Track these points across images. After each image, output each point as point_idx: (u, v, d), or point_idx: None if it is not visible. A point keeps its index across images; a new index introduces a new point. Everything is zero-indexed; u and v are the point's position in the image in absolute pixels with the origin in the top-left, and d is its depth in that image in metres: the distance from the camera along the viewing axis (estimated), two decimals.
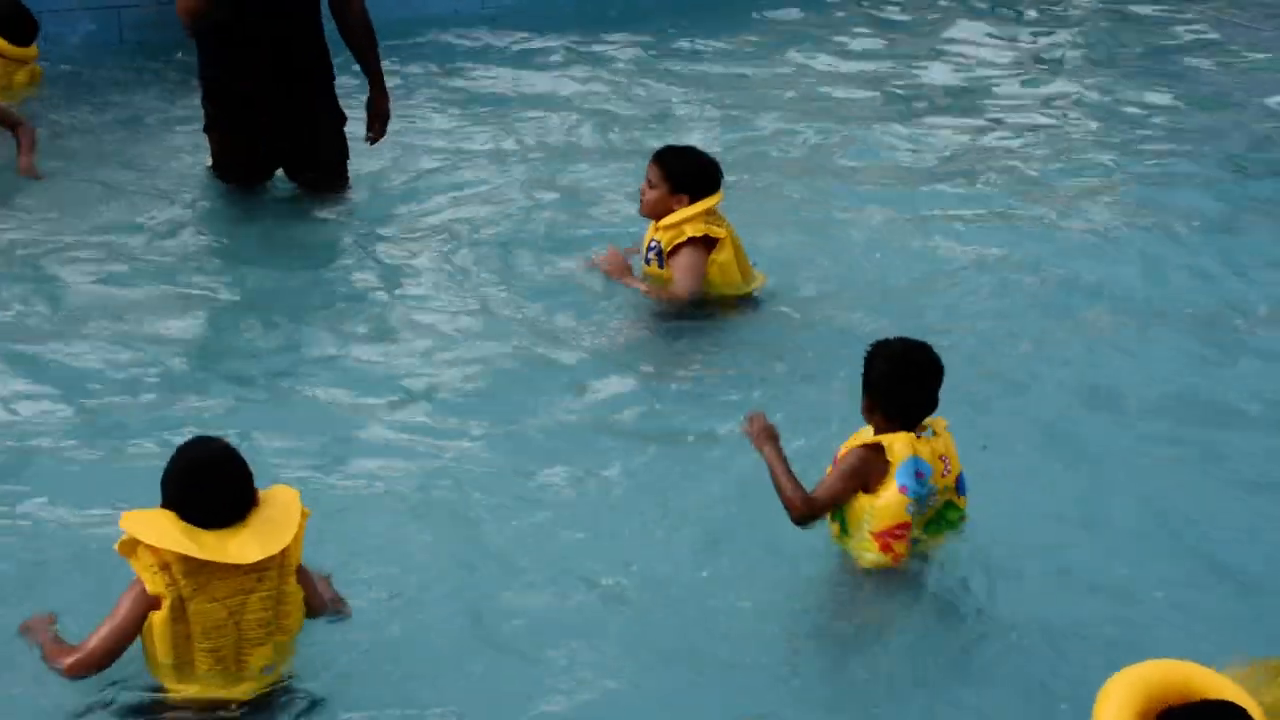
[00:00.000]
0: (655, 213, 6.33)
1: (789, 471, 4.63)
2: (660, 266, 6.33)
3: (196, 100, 7.51)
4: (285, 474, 4.87)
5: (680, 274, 6.26)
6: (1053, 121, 9.13)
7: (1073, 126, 9.06)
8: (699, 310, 6.31)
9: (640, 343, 6.24)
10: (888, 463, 4.59)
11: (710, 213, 6.30)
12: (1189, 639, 4.46)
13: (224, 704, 4.02)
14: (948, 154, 8.52)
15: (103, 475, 5.17)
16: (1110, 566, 4.89)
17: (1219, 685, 3.16)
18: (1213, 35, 10.97)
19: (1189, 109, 9.38)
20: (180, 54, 9.20)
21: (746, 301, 6.45)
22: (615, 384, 5.96)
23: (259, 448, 5.09)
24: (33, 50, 8.62)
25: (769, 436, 4.70)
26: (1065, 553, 4.96)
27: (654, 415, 5.76)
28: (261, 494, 4.09)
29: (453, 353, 6.17)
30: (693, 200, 6.25)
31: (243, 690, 4.04)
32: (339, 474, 5.27)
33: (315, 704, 4.15)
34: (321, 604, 4.24)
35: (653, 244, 6.36)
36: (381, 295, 6.66)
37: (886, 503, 4.59)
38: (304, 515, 4.08)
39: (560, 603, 4.70)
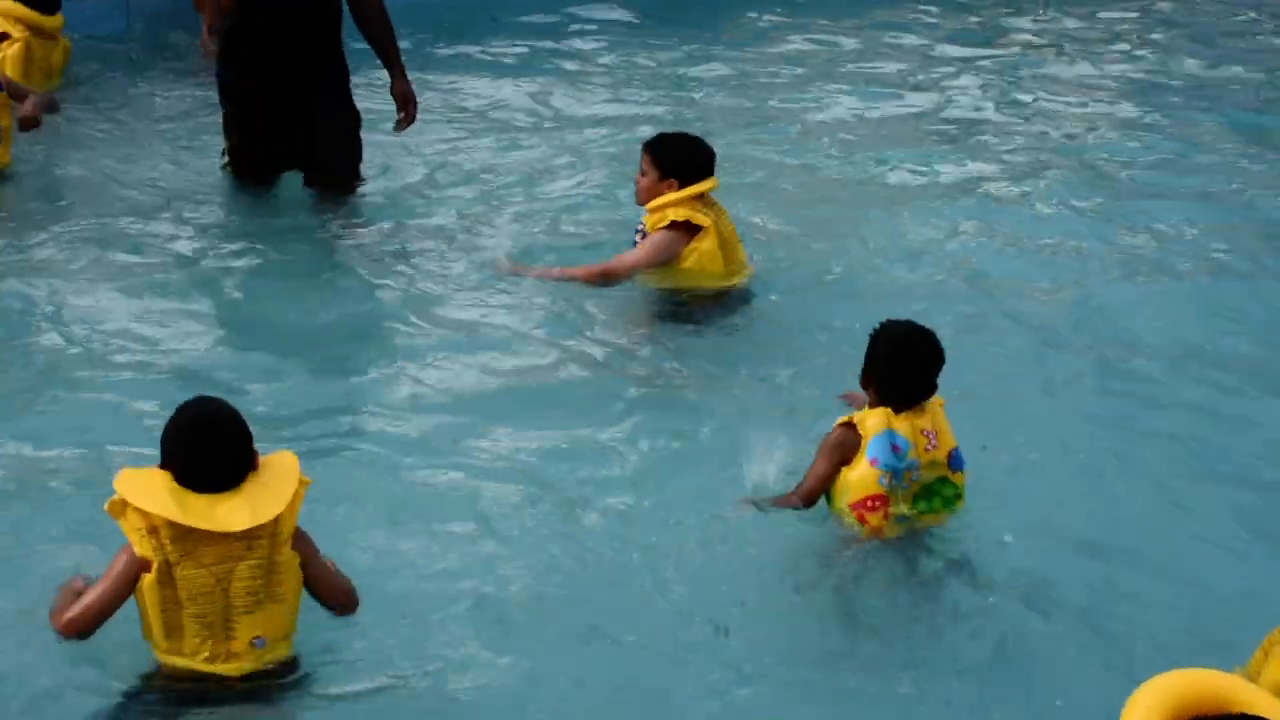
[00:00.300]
0: (648, 200, 6.35)
1: (779, 498, 4.88)
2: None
3: (202, 93, 7.47)
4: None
5: (636, 249, 6.30)
6: (1077, 128, 9.12)
7: (1098, 135, 9.04)
8: (682, 305, 6.30)
9: (630, 336, 6.23)
10: (860, 437, 4.71)
11: (702, 199, 6.30)
12: (1186, 635, 4.50)
13: (218, 681, 3.97)
14: (965, 155, 8.54)
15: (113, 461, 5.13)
16: (1110, 560, 4.90)
17: (1253, 698, 3.08)
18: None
19: (1231, 125, 9.30)
20: (189, 44, 9.20)
21: (731, 295, 6.40)
22: (609, 382, 5.95)
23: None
24: (59, 19, 8.64)
25: (754, 502, 4.92)
26: (1065, 547, 4.96)
27: (647, 412, 5.75)
28: (261, 460, 4.04)
29: (451, 350, 6.15)
30: (683, 186, 6.26)
31: (235, 667, 3.98)
32: (341, 468, 5.25)
33: (313, 689, 4.11)
34: (326, 576, 4.14)
35: (639, 226, 6.39)
36: (382, 295, 6.65)
37: (859, 476, 4.71)
38: (303, 484, 4.02)
39: (566, 594, 4.70)
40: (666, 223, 6.26)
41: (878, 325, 4.87)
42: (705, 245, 6.27)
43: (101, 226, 7.10)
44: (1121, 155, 8.56)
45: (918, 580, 4.70)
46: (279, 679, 4.07)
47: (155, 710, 4.03)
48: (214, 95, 7.45)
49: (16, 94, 7.51)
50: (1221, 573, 4.83)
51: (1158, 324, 6.44)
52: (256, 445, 4.12)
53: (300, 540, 4.06)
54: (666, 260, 6.28)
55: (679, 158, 6.32)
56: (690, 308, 6.33)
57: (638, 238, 6.41)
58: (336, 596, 4.21)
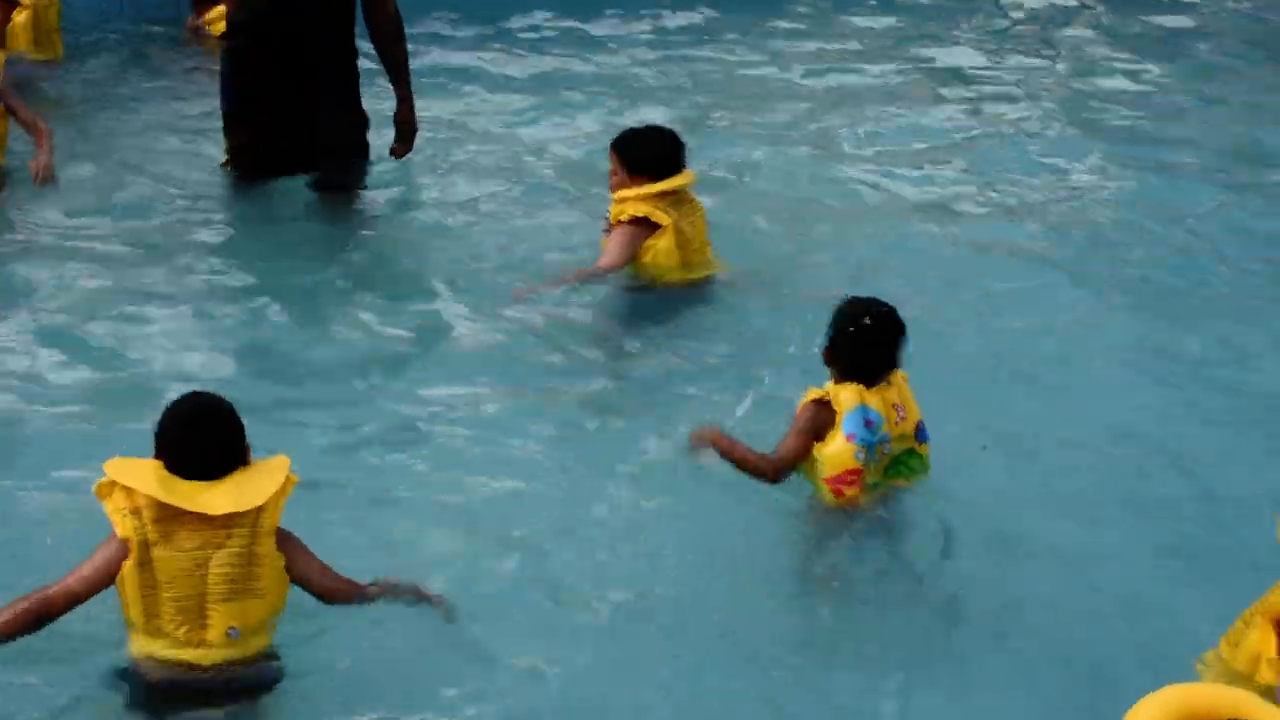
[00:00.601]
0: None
1: (745, 449, 4.86)
2: (607, 235, 6.42)
3: (195, 86, 7.40)
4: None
5: (607, 249, 6.35)
6: (1062, 113, 9.18)
7: (1082, 119, 9.10)
8: (644, 292, 6.34)
9: (599, 328, 6.28)
10: (834, 413, 4.78)
11: (670, 195, 6.32)
12: (1170, 613, 4.56)
13: (193, 670, 3.99)
14: (950, 142, 8.59)
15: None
16: (1091, 537, 4.96)
17: (1254, 708, 3.02)
18: None
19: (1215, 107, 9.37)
20: (184, 35, 9.21)
21: (695, 286, 6.43)
22: (578, 371, 6.01)
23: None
24: None
25: (716, 435, 4.92)
26: (1047, 524, 5.01)
27: (614, 398, 5.82)
28: (255, 461, 4.12)
29: (432, 348, 6.21)
30: (654, 181, 6.30)
31: (207, 654, 4.00)
32: (327, 462, 5.26)
33: (289, 684, 4.12)
34: (316, 574, 4.16)
35: (606, 214, 6.46)
36: (376, 293, 6.65)
37: (835, 451, 4.77)
38: (289, 481, 4.07)
39: (553, 588, 4.72)
40: (627, 217, 6.30)
41: (840, 302, 4.95)
42: (662, 244, 6.30)
43: (95, 225, 7.10)
44: (1115, 160, 8.56)
45: (902, 573, 4.75)
46: (254, 669, 4.07)
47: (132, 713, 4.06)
48: (208, 87, 7.49)
49: (15, 110, 7.29)
50: (1207, 574, 4.85)
51: (1131, 332, 6.45)
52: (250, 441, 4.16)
53: (285, 541, 4.11)
54: (632, 255, 6.32)
55: (645, 155, 6.35)
56: (653, 294, 6.37)
57: (603, 225, 6.48)
58: (338, 587, 4.22)
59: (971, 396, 5.64)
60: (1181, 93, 9.75)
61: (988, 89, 9.73)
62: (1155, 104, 9.58)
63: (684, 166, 6.41)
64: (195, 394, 4.24)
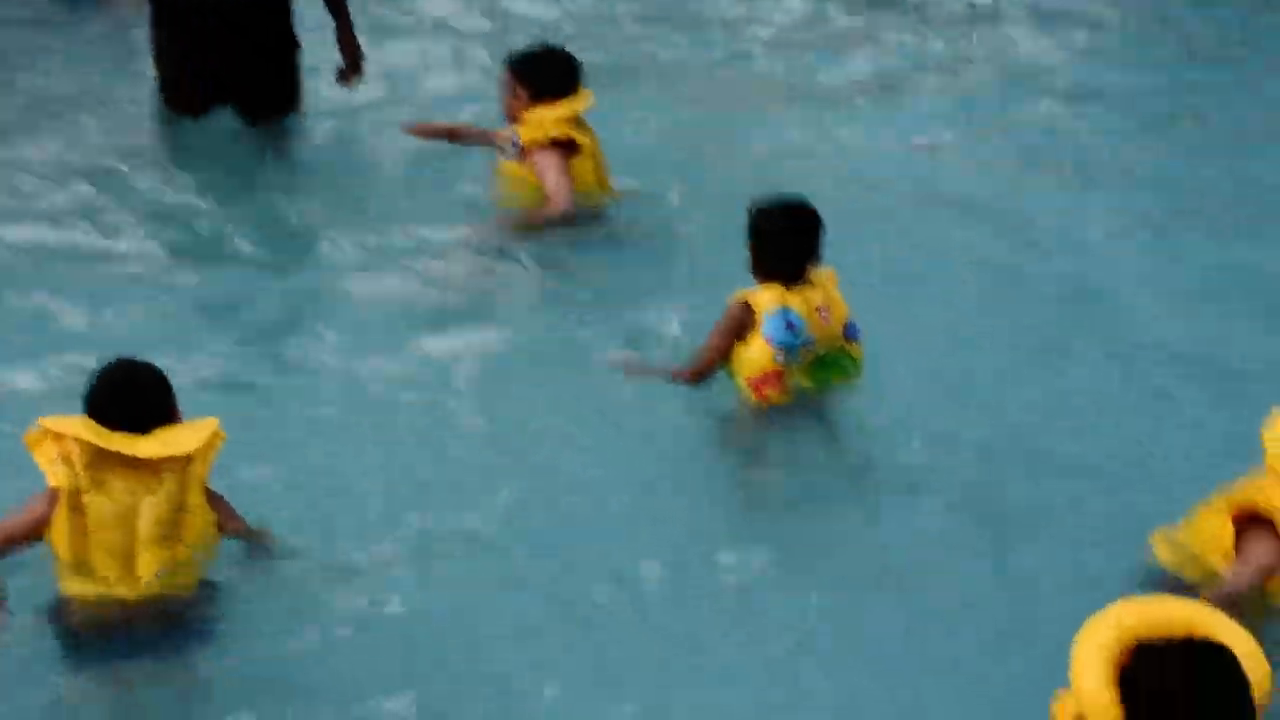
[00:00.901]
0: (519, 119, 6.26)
1: (661, 368, 5.11)
2: (520, 160, 6.22)
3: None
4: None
5: (552, 186, 6.13)
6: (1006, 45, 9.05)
7: (1061, 62, 8.91)
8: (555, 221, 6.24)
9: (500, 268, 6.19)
10: (754, 313, 4.87)
11: (574, 119, 6.22)
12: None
13: (123, 606, 4.10)
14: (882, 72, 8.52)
15: None
16: (1074, 507, 4.89)
17: (1207, 619, 3.00)
18: None
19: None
20: None
21: (604, 210, 6.36)
22: (504, 299, 6.00)
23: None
24: None
25: (633, 361, 5.18)
26: (1030, 487, 4.96)
27: (533, 321, 5.83)
28: (185, 421, 4.22)
29: (353, 283, 6.11)
30: (557, 102, 6.19)
31: (138, 588, 4.11)
32: (257, 409, 5.27)
33: (215, 622, 4.22)
34: (235, 526, 4.29)
35: (515, 140, 6.24)
36: (301, 223, 6.61)
37: (754, 353, 4.90)
38: (217, 436, 4.19)
39: (474, 518, 4.74)
40: (547, 140, 6.16)
41: (751, 205, 5.01)
42: (583, 164, 6.23)
43: (25, 155, 7.06)
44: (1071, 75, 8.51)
45: (871, 543, 4.72)
46: (180, 606, 4.16)
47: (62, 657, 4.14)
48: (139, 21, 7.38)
49: None
50: (1161, 478, 4.90)
51: (1103, 303, 6.27)
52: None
53: (215, 499, 4.23)
54: (571, 181, 6.17)
55: (549, 76, 6.21)
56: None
57: (510, 152, 6.24)
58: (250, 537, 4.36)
59: (944, 363, 5.57)
60: (1157, 42, 9.49)
61: (953, 23, 9.46)
62: (1126, 46, 9.33)
63: (581, 83, 6.27)
64: (123, 359, 4.32)
